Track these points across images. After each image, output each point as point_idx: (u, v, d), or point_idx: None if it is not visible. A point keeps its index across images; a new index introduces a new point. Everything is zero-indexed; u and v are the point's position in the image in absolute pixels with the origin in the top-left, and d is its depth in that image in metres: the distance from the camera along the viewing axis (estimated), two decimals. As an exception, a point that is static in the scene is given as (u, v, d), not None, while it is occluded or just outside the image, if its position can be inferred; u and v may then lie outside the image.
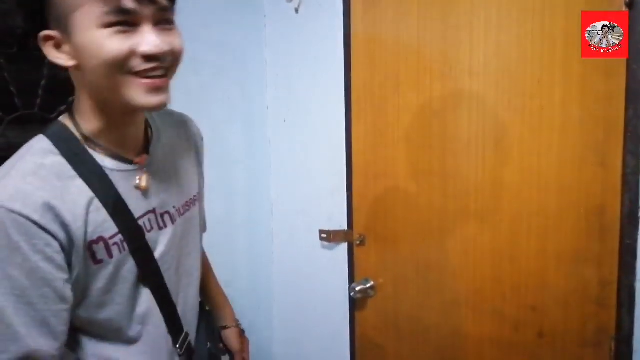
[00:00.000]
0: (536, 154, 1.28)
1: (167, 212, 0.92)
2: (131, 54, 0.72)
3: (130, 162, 0.85)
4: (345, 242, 1.82)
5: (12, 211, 0.70)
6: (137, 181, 0.86)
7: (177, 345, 0.94)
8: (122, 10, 0.70)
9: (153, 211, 0.88)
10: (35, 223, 0.71)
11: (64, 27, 0.72)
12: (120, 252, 0.82)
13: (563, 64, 1.24)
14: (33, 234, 0.72)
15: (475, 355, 1.46)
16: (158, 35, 0.73)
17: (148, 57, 0.73)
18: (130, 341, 0.88)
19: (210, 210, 1.97)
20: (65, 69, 0.79)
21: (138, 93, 0.75)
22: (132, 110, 0.81)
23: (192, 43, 1.74)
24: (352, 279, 1.80)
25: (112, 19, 0.70)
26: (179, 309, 0.94)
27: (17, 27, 1.48)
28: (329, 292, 1.92)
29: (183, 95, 1.74)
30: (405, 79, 1.54)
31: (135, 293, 0.86)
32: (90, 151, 0.81)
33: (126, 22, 0.71)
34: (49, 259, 0.73)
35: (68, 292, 0.76)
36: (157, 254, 0.88)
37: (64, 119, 0.83)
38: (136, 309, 0.87)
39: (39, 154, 0.78)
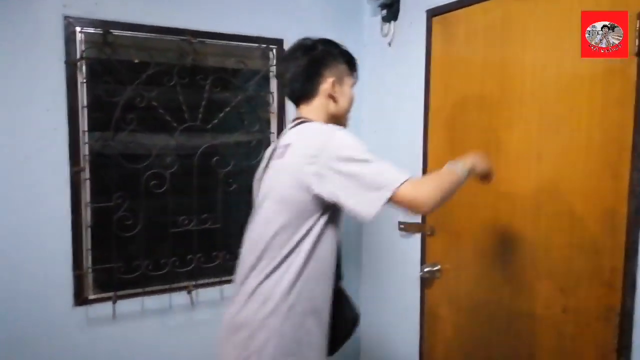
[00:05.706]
0: (568, 167, 1.57)
1: None
2: None
3: None
4: (419, 232, 2.20)
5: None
6: None
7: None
8: (355, 83, 1.52)
9: None
10: None
11: (340, 80, 1.46)
12: None
13: (589, 98, 1.51)
14: None
15: (515, 325, 1.77)
16: None
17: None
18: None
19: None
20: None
21: (346, 119, 1.52)
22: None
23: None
24: (423, 262, 2.18)
25: (354, 84, 1.51)
26: None
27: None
28: (404, 272, 2.30)
29: (294, 109, 2.26)
30: (472, 102, 1.91)
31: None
32: None
33: None
34: None
35: None
36: None
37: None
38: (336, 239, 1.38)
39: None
